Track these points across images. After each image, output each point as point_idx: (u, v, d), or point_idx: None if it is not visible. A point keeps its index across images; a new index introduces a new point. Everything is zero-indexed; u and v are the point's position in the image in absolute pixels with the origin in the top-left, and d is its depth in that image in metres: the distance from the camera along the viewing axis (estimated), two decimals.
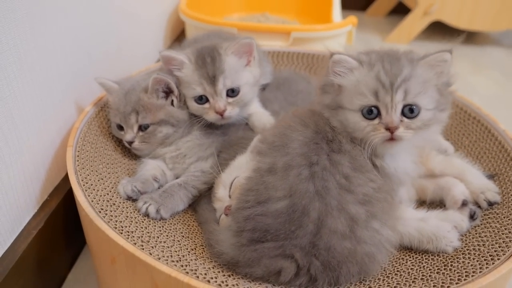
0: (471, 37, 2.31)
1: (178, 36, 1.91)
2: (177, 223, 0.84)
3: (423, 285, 0.69)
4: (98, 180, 0.85)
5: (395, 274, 0.73)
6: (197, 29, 1.58)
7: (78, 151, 0.89)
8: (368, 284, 0.71)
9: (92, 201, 0.79)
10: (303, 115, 0.81)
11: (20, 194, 0.84)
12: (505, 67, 2.07)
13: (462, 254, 0.75)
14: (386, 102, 0.72)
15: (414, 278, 0.72)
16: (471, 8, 2.12)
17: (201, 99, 0.92)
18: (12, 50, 0.77)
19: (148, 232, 0.77)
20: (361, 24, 2.31)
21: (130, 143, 0.94)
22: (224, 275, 0.69)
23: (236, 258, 0.69)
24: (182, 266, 0.69)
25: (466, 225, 0.80)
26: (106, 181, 0.87)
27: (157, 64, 1.21)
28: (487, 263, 0.71)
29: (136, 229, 0.76)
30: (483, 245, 0.76)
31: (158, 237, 0.76)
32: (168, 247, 0.74)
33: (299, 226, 0.67)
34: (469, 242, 0.78)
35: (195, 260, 0.72)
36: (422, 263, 0.75)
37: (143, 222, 0.79)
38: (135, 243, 0.71)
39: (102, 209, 0.78)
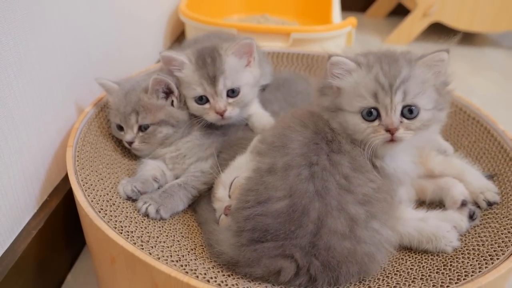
0: (470, 39, 2.32)
1: (178, 37, 1.91)
2: (177, 223, 0.84)
3: (423, 284, 0.69)
4: (98, 180, 0.85)
5: (395, 274, 0.73)
6: (197, 30, 1.58)
7: (78, 151, 0.89)
8: (368, 284, 0.71)
9: (92, 201, 0.79)
10: (302, 116, 0.81)
11: (20, 194, 0.84)
12: (504, 68, 2.08)
13: (462, 254, 0.75)
14: (386, 103, 0.72)
15: (414, 278, 0.72)
16: (470, 9, 2.13)
17: (201, 100, 0.92)
18: (12, 51, 0.77)
19: (148, 232, 0.77)
20: (360, 25, 2.32)
21: (130, 143, 0.94)
22: (223, 275, 0.69)
23: (236, 258, 0.69)
24: (181, 266, 0.69)
25: (465, 225, 0.80)
26: (106, 181, 0.87)
27: (157, 65, 1.21)
28: (486, 263, 0.71)
29: (136, 229, 0.76)
30: (483, 245, 0.76)
31: (157, 237, 0.76)
32: (168, 247, 0.74)
33: (299, 226, 0.67)
34: (469, 242, 0.78)
35: (195, 260, 0.72)
36: (422, 263, 0.75)
37: (142, 222, 0.79)
38: (135, 243, 0.71)
39: (101, 209, 0.78)
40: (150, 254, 0.69)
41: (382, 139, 0.72)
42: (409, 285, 0.70)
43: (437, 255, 0.76)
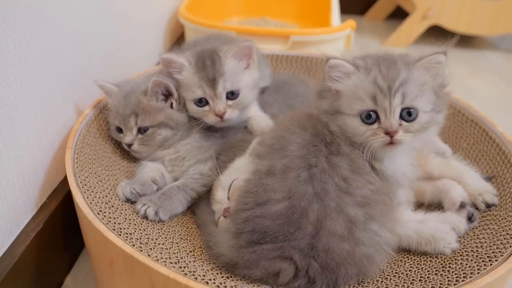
0: (468, 41, 2.32)
1: (178, 39, 1.92)
2: (176, 225, 0.84)
3: (421, 286, 0.69)
4: (97, 182, 0.85)
5: (394, 276, 0.73)
6: (197, 33, 1.59)
7: (77, 153, 0.89)
8: (367, 286, 0.71)
9: (91, 203, 0.79)
10: (301, 118, 0.81)
11: (18, 196, 0.84)
12: (503, 70, 2.08)
13: (460, 255, 0.75)
14: (385, 106, 0.72)
15: (413, 280, 0.72)
16: (469, 12, 2.13)
17: (201, 102, 0.92)
18: (11, 52, 0.77)
19: (147, 234, 0.77)
20: (359, 28, 2.32)
21: (129, 145, 0.94)
22: (222, 277, 0.69)
23: (235, 260, 0.69)
24: (180, 267, 0.69)
25: (464, 227, 0.81)
26: (105, 183, 0.87)
27: (156, 67, 1.22)
28: (485, 265, 0.71)
29: (135, 231, 0.76)
30: (481, 246, 0.76)
31: (156, 239, 0.76)
32: (167, 249, 0.74)
33: (297, 228, 0.67)
34: (467, 244, 0.78)
35: (194, 261, 0.72)
36: (421, 265, 0.75)
37: (141, 224, 0.79)
38: (134, 245, 0.71)
39: (100, 211, 0.78)
40: (149, 256, 0.69)
41: (381, 141, 0.73)
42: (408, 286, 0.70)
43: (436, 257, 0.76)
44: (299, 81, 1.19)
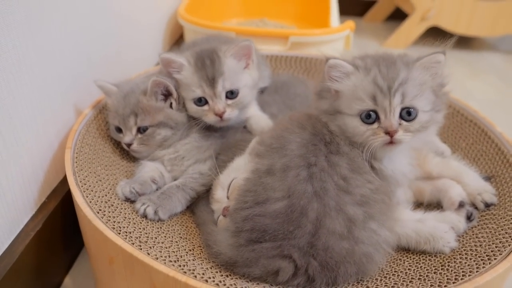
0: (468, 43, 2.33)
1: (177, 40, 1.92)
2: (175, 225, 0.84)
3: (420, 285, 0.70)
4: (97, 182, 0.86)
5: (393, 275, 0.74)
6: (196, 34, 1.59)
7: (77, 153, 0.89)
8: (366, 285, 0.71)
9: (90, 202, 0.79)
10: (300, 118, 0.82)
11: (18, 196, 0.84)
12: (502, 72, 2.09)
13: (459, 254, 0.75)
14: (385, 106, 0.72)
15: (412, 278, 0.72)
16: (468, 13, 2.14)
17: (200, 101, 0.92)
18: (11, 52, 0.77)
19: (146, 233, 0.77)
20: (358, 30, 2.33)
21: (129, 145, 0.94)
22: (222, 275, 0.69)
23: (234, 258, 0.69)
24: (180, 266, 0.69)
25: (463, 226, 0.81)
26: (105, 183, 0.87)
27: (156, 68, 1.22)
28: (484, 263, 0.71)
29: (134, 230, 0.76)
30: (480, 245, 0.76)
31: (156, 238, 0.76)
32: (166, 248, 0.74)
33: (297, 227, 0.67)
34: (466, 243, 0.78)
35: (193, 260, 0.72)
36: (420, 264, 0.75)
37: (141, 223, 0.80)
38: (133, 243, 0.71)
39: (100, 210, 0.78)
40: (148, 254, 0.69)
41: (381, 141, 0.73)
42: (407, 285, 0.70)
43: (435, 256, 0.76)
44: (298, 82, 1.19)
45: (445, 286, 0.68)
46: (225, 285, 0.66)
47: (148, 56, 1.55)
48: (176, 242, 0.78)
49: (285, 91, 1.12)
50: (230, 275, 0.69)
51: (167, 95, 0.94)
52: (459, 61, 2.14)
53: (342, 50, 1.63)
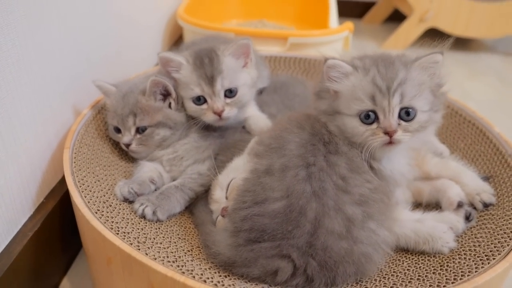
0: (466, 44, 2.33)
1: (176, 41, 1.92)
2: (174, 225, 0.84)
3: (419, 285, 0.69)
4: (95, 182, 0.85)
5: (392, 275, 0.73)
6: (195, 35, 1.59)
7: (75, 153, 0.89)
8: (365, 285, 0.71)
9: (89, 202, 0.79)
10: (299, 118, 0.82)
11: (16, 195, 0.84)
12: (500, 73, 2.09)
13: (458, 254, 0.75)
14: (384, 106, 0.72)
15: (411, 279, 0.72)
16: (466, 15, 2.14)
17: (199, 100, 0.92)
18: (10, 52, 0.77)
19: (145, 234, 0.77)
20: (357, 31, 2.33)
21: (128, 145, 0.94)
22: (220, 276, 0.69)
23: (233, 259, 0.69)
24: (178, 266, 0.69)
25: (461, 226, 0.81)
26: (103, 183, 0.87)
27: (155, 68, 1.22)
28: (482, 263, 0.71)
29: (133, 230, 0.76)
30: (479, 245, 0.76)
31: (154, 239, 0.76)
32: (165, 248, 0.74)
33: (296, 226, 0.67)
34: (465, 243, 0.78)
35: (192, 261, 0.72)
36: (418, 264, 0.75)
37: (139, 223, 0.79)
38: (131, 244, 0.71)
39: (98, 210, 0.78)
40: (147, 254, 0.69)
41: (380, 141, 0.73)
42: (406, 285, 0.70)
43: (433, 256, 0.76)
44: (297, 82, 1.20)
45: (444, 286, 0.68)
46: (223, 285, 0.66)
47: (147, 57, 1.55)
48: (175, 242, 0.78)
49: (284, 92, 1.13)
50: (228, 275, 0.69)
51: (166, 95, 0.94)
52: (457, 63, 2.14)
53: (341, 51, 1.63)
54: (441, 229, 0.78)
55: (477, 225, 0.82)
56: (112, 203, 0.82)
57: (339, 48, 1.62)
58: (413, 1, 2.16)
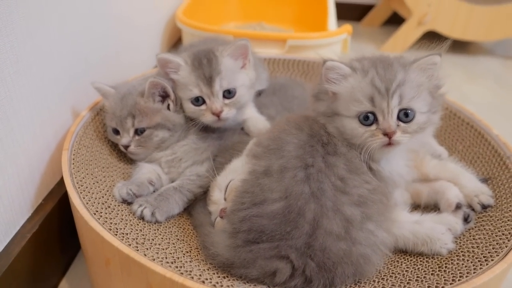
0: (464, 47, 2.34)
1: (175, 44, 1.93)
2: (172, 227, 0.84)
3: (418, 286, 0.69)
4: (93, 183, 0.85)
5: (390, 276, 0.73)
6: (194, 37, 1.59)
7: (74, 155, 0.89)
8: (363, 286, 0.71)
9: (87, 203, 0.79)
10: (297, 119, 0.82)
11: (14, 197, 0.83)
12: (499, 76, 2.10)
13: (457, 256, 0.75)
14: (383, 107, 0.73)
15: (409, 280, 0.72)
16: (464, 18, 2.15)
17: (198, 101, 0.92)
18: (8, 53, 0.77)
19: (143, 235, 0.77)
20: (356, 34, 2.34)
21: (126, 147, 0.94)
22: (219, 276, 0.69)
23: (231, 259, 0.69)
24: (177, 267, 0.69)
25: (460, 228, 0.81)
26: (101, 184, 0.87)
27: (154, 70, 1.22)
28: (481, 264, 0.71)
29: (131, 231, 0.76)
30: (477, 247, 0.76)
31: (153, 240, 0.76)
32: (163, 249, 0.74)
33: (294, 227, 0.67)
34: (463, 244, 0.78)
35: (190, 262, 0.72)
36: (417, 265, 0.75)
37: (138, 224, 0.79)
38: (130, 245, 0.71)
39: (97, 211, 0.78)
40: (145, 255, 0.69)
41: (379, 143, 0.73)
42: (404, 286, 0.70)
43: (432, 257, 0.76)
44: (296, 84, 1.20)
45: (442, 287, 0.68)
46: (222, 286, 0.66)
47: (146, 59, 1.55)
48: (173, 243, 0.78)
49: (283, 93, 1.13)
50: (227, 276, 0.69)
51: (164, 96, 0.94)
52: (456, 66, 2.14)
53: (339, 53, 1.63)
54: (440, 231, 0.78)
55: (475, 227, 0.82)
56: (110, 204, 0.82)
57: (338, 50, 1.62)
58: (411, 4, 2.17)
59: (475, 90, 1.94)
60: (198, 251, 0.77)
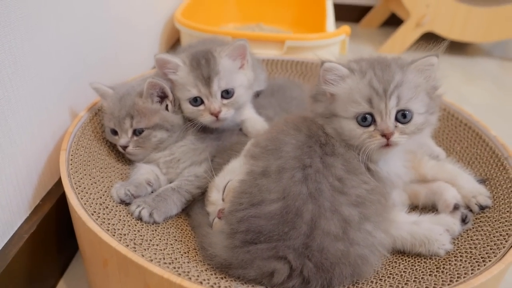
0: (462, 48, 2.35)
1: (174, 44, 1.93)
2: (170, 227, 0.84)
3: (416, 287, 0.70)
4: (91, 184, 0.85)
5: (388, 277, 0.74)
6: (192, 38, 1.59)
7: (72, 155, 0.89)
8: (361, 287, 0.71)
9: (85, 204, 0.78)
10: (295, 120, 0.82)
11: (12, 197, 0.83)
12: (497, 77, 2.10)
13: (454, 256, 0.76)
14: (381, 108, 0.73)
15: (407, 281, 0.72)
16: (462, 19, 2.16)
17: (196, 101, 0.92)
18: (7, 53, 0.77)
19: (141, 235, 0.76)
20: (354, 35, 2.34)
21: (124, 147, 0.94)
22: (216, 277, 0.69)
23: (229, 260, 0.69)
24: (174, 268, 0.69)
25: (458, 229, 0.81)
26: (99, 185, 0.86)
27: (152, 71, 1.22)
28: (478, 265, 0.72)
29: (129, 232, 0.76)
30: (475, 247, 0.76)
31: (151, 240, 0.76)
32: (161, 250, 0.74)
33: (292, 228, 0.67)
34: (461, 245, 0.78)
35: (188, 263, 0.72)
36: (415, 266, 0.75)
37: (136, 225, 0.79)
38: (128, 245, 0.71)
39: (94, 211, 0.78)
40: (143, 256, 0.69)
41: (378, 144, 0.73)
42: (402, 287, 0.70)
43: (430, 258, 0.77)
44: (294, 85, 1.20)
45: (440, 287, 0.68)
46: (219, 287, 0.66)
47: (144, 60, 1.55)
48: (171, 244, 0.78)
49: (281, 94, 1.13)
50: (225, 277, 0.69)
51: (163, 97, 0.94)
52: (454, 67, 2.15)
53: (337, 54, 1.63)
54: (437, 231, 0.78)
55: (473, 228, 0.82)
56: (108, 205, 0.82)
57: (336, 51, 1.63)
58: (410, 5, 2.18)
59: (473, 91, 1.94)
60: (196, 252, 0.77)
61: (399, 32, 2.26)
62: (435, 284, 0.69)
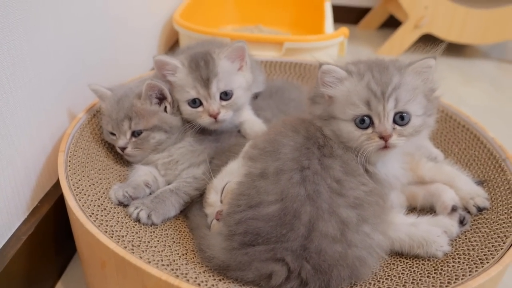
0: (460, 50, 2.35)
1: (172, 46, 1.93)
2: (169, 229, 0.84)
3: None
4: (90, 186, 0.85)
5: (386, 279, 0.74)
6: (191, 39, 1.60)
7: (70, 157, 0.89)
8: None
9: (83, 205, 0.78)
10: (293, 122, 0.82)
11: (10, 199, 0.83)
12: (494, 78, 2.11)
13: (452, 258, 0.76)
14: (379, 111, 0.73)
15: (405, 282, 0.72)
16: (460, 21, 2.16)
17: (195, 103, 0.92)
18: (5, 55, 0.77)
19: (139, 237, 0.76)
20: (353, 37, 2.34)
21: (123, 149, 0.94)
22: (214, 279, 0.69)
23: (227, 262, 0.69)
24: (172, 269, 0.69)
25: (456, 230, 0.81)
26: (98, 187, 0.86)
27: (150, 72, 1.22)
28: (476, 267, 0.72)
29: (127, 234, 0.76)
30: (473, 249, 0.76)
31: (149, 242, 0.76)
32: (159, 252, 0.74)
33: (290, 229, 0.67)
34: (459, 247, 0.78)
35: (186, 264, 0.72)
36: (413, 268, 0.75)
37: (134, 227, 0.79)
38: (126, 247, 0.71)
39: (92, 213, 0.78)
40: (141, 258, 0.69)
41: (376, 146, 0.73)
42: None
43: (428, 260, 0.77)
44: (293, 87, 1.20)
45: None
46: None
47: (143, 61, 1.55)
48: (169, 246, 0.78)
49: (280, 96, 1.13)
50: (223, 279, 0.69)
51: (161, 98, 0.94)
52: (452, 69, 2.15)
53: (336, 56, 1.64)
54: (435, 233, 0.78)
55: (471, 229, 0.82)
56: (106, 206, 0.82)
57: (334, 53, 1.63)
58: (408, 7, 2.18)
59: (471, 92, 1.95)
60: (194, 254, 0.77)
61: (397, 34, 2.26)
62: (433, 286, 0.69)
